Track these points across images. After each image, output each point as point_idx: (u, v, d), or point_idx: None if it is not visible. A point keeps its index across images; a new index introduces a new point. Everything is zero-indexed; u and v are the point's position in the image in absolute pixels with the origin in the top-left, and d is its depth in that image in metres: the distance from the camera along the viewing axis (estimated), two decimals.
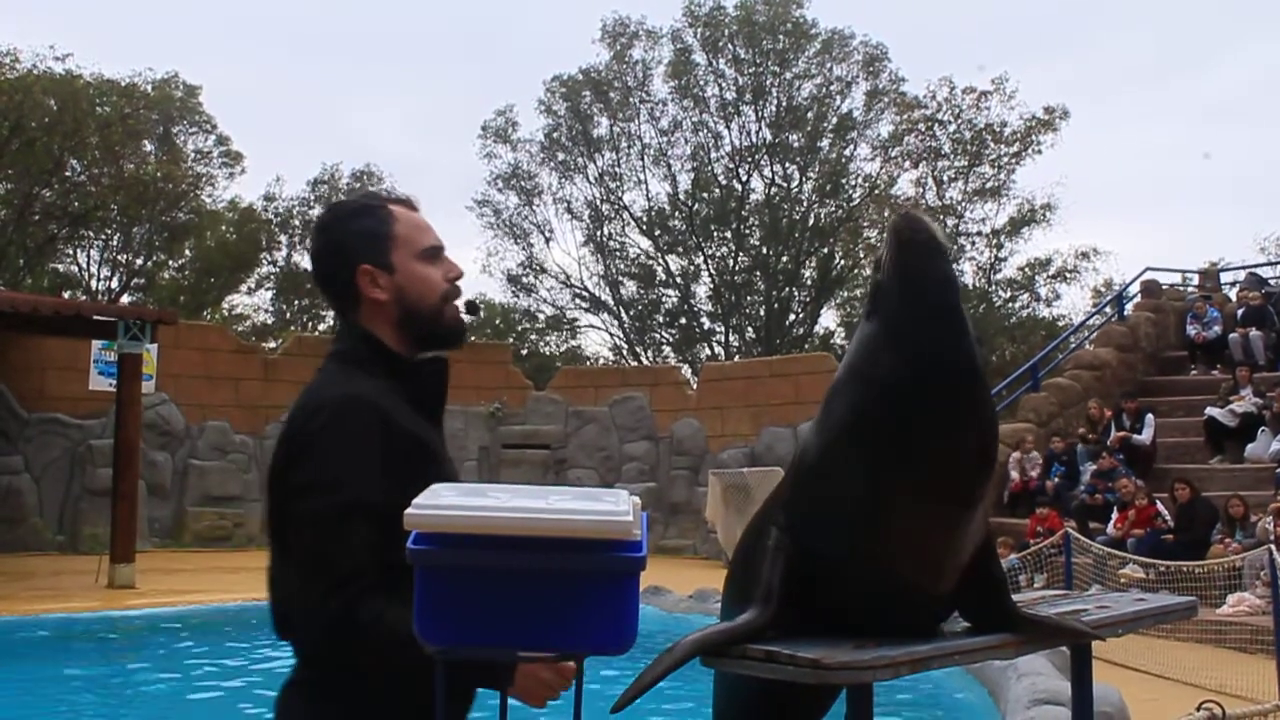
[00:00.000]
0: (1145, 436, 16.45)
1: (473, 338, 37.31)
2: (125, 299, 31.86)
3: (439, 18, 57.62)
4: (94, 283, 32.23)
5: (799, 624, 2.78)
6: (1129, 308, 21.45)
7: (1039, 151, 34.29)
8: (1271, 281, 21.70)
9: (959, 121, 34.78)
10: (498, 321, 39.07)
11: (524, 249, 38.00)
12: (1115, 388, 18.88)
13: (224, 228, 34.19)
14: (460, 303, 2.61)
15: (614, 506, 1.99)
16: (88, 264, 32.61)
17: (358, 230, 2.51)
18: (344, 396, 2.33)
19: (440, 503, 2.00)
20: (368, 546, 2.21)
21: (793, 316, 37.08)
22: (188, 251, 33.94)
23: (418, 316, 2.51)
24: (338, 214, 2.59)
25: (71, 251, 32.21)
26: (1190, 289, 22.95)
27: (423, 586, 1.98)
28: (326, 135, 56.19)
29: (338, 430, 2.29)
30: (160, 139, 31.83)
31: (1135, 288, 22.21)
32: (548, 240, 37.95)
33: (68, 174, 28.91)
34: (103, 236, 31.95)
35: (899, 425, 2.72)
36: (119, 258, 32.61)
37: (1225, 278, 23.64)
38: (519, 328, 39.06)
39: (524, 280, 38.23)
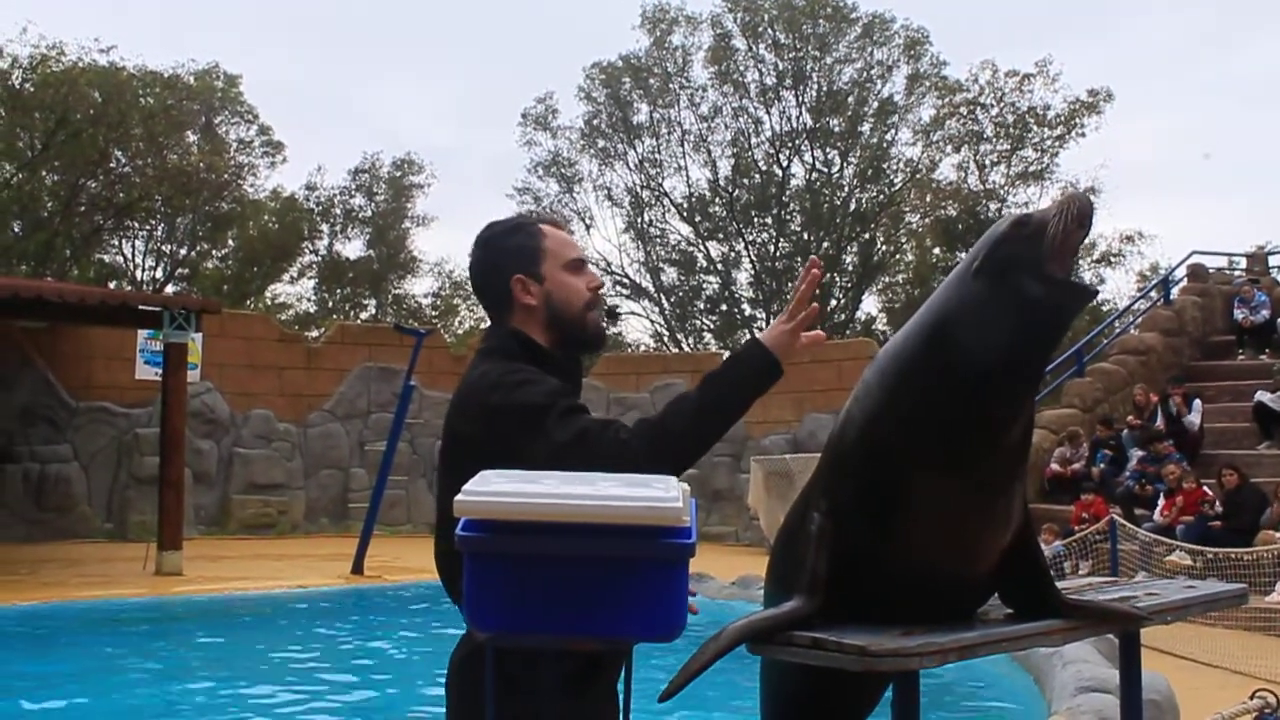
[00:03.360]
0: (1193, 421, 16.31)
1: None
2: (170, 289, 32.15)
3: (479, 4, 57.69)
4: (139, 273, 32.53)
5: (843, 610, 2.78)
6: (1175, 292, 21.23)
7: (1083, 134, 33.96)
8: None
9: (1001, 105, 34.49)
10: None
11: None
12: (1161, 373, 18.71)
13: (266, 217, 34.40)
14: (601, 311, 2.91)
15: (663, 493, 2.00)
16: (133, 254, 32.92)
17: (512, 245, 2.82)
18: (509, 368, 2.66)
19: (491, 489, 2.01)
20: (599, 420, 2.60)
21: (834, 302, 36.91)
22: (231, 241, 34.18)
23: (563, 320, 2.79)
24: (494, 231, 2.89)
25: (117, 242, 32.51)
26: (1237, 272, 22.70)
27: (473, 573, 2.00)
28: (367, 124, 56.34)
29: (523, 382, 2.61)
30: (203, 129, 32.05)
31: (1181, 271, 21.98)
32: (588, 227, 37.98)
33: (113, 165, 29.17)
34: (147, 227, 32.22)
35: (957, 409, 2.69)
36: (163, 248, 32.90)
37: (1273, 261, 23.36)
38: None
39: None
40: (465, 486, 2.03)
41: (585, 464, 2.37)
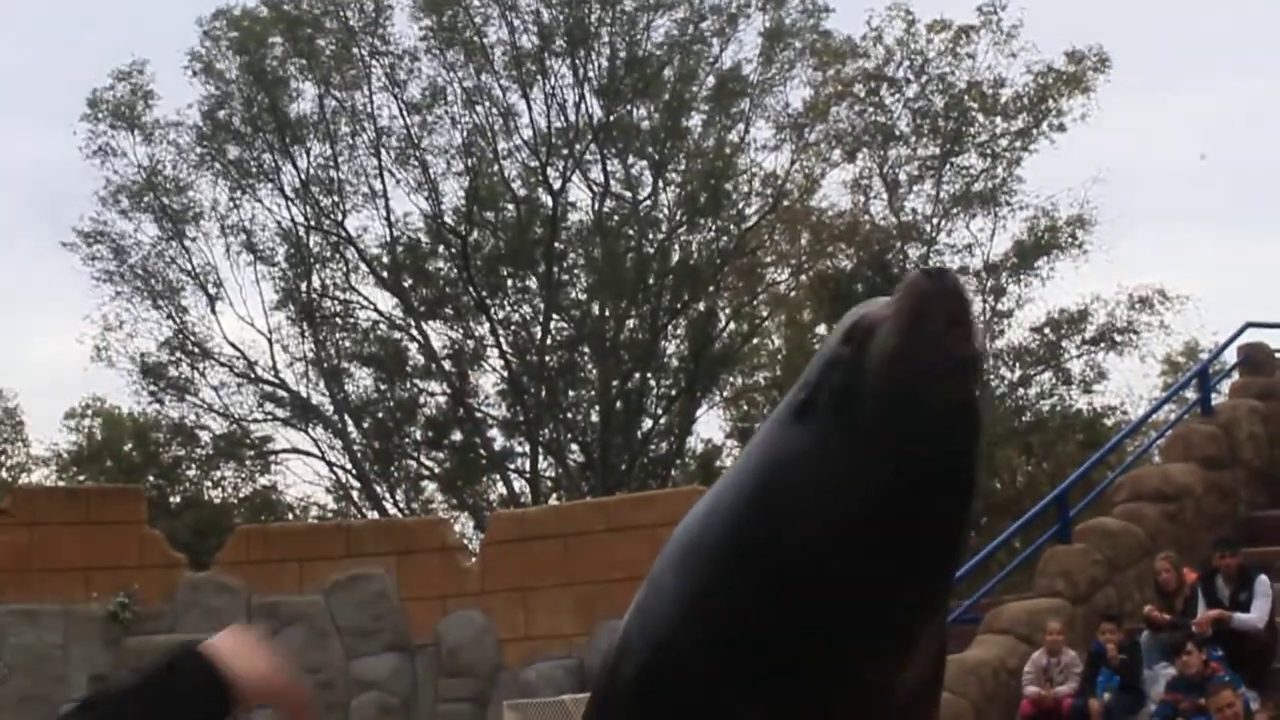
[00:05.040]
0: (1255, 615, 16.53)
1: (53, 475, 36.63)
2: None
3: None
4: None
5: None
6: (1222, 391, 21.68)
7: (1061, 128, 34.95)
8: None
9: (923, 80, 35.32)
10: (127, 447, 38.22)
11: (170, 315, 37.41)
12: (1201, 532, 18.99)
13: None
14: None
15: None
16: None
17: None
18: None
19: None
20: None
21: (648, 423, 37.05)
22: None
23: None
24: None
25: None
26: None
27: None
28: None
29: None
30: None
31: (1230, 356, 22.49)
32: (213, 301, 37.46)
33: None
34: None
35: (786, 626, 2.84)
36: None
37: None
38: (164, 457, 38.49)
39: (172, 372, 37.65)
40: None
41: None
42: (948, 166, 35.51)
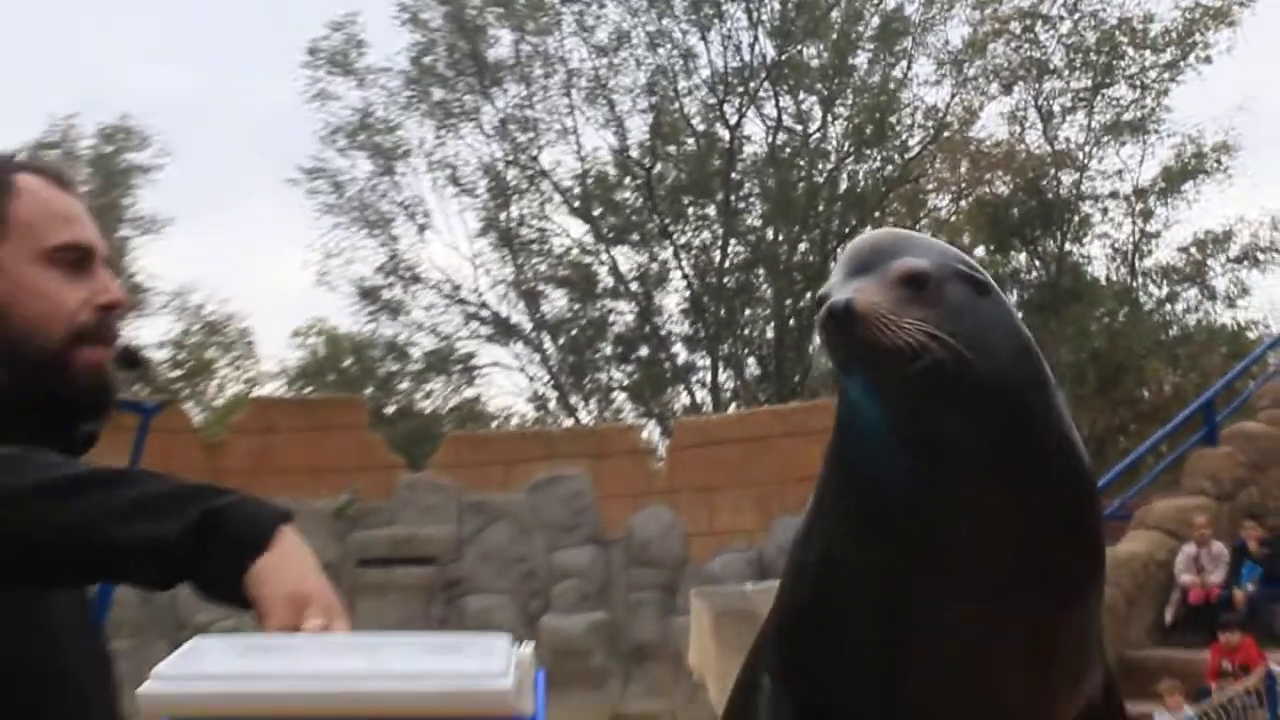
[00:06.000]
0: None
1: (282, 387, 37.32)
2: None
3: None
4: None
5: None
6: None
7: (1207, 60, 34.39)
8: None
9: (1076, 17, 34.91)
10: (347, 362, 38.72)
11: (385, 244, 38.05)
12: None
13: None
14: (109, 348, 2.49)
15: (483, 664, 1.89)
16: None
17: None
18: None
19: (202, 670, 1.91)
20: None
21: (818, 338, 36.97)
22: None
23: (26, 353, 2.38)
24: None
25: None
26: None
27: None
28: (52, 72, 55.57)
29: None
30: None
31: None
32: (422, 229, 37.98)
33: None
34: None
35: (914, 519, 2.82)
36: None
37: None
38: (380, 371, 39.09)
39: (386, 294, 38.26)
40: (159, 667, 1.92)
41: None
42: (1099, 97, 35.07)
